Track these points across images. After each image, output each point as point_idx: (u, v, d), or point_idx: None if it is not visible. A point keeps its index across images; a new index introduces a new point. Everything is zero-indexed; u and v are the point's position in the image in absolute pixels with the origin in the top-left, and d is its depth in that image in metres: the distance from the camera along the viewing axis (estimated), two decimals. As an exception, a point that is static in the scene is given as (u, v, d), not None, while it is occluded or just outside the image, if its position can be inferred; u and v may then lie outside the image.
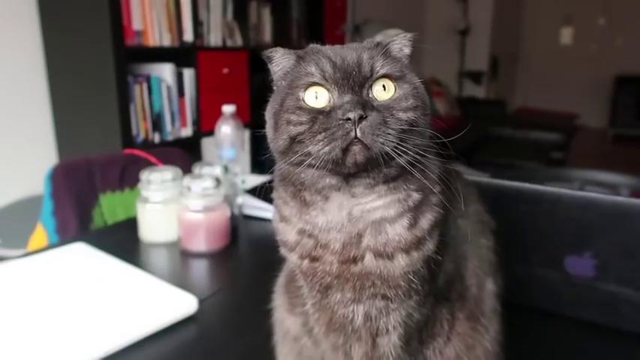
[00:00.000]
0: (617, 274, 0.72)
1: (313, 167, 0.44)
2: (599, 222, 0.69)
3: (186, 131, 2.69)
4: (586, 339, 0.76)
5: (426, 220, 0.46)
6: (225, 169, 1.21)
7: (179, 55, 2.61)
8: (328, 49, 0.48)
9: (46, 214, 1.43)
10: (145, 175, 1.14)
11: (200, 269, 1.06)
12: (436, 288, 0.51)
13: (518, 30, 7.60)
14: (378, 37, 1.76)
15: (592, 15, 7.21)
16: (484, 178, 0.72)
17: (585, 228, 0.71)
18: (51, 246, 1.10)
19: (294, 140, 0.44)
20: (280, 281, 0.64)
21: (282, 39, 3.38)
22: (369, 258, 0.46)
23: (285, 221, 0.50)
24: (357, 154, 0.41)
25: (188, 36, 2.61)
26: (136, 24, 2.34)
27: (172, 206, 1.13)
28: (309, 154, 0.43)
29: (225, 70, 2.77)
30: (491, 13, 6.27)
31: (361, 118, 0.41)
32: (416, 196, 0.45)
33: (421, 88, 0.46)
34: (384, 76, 0.44)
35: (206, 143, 2.74)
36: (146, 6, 2.39)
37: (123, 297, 0.83)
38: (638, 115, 6.64)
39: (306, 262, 0.49)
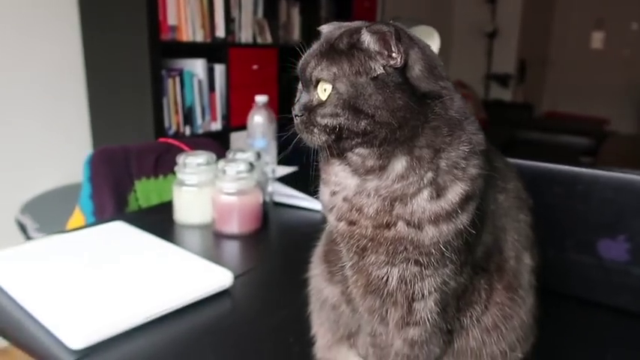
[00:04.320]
0: (651, 258, 0.72)
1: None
2: (634, 204, 0.70)
3: (216, 125, 2.74)
4: (619, 326, 0.76)
5: (454, 194, 0.47)
6: (258, 155, 1.24)
7: (211, 50, 2.66)
8: (321, 37, 0.52)
9: (84, 198, 1.48)
10: (182, 159, 1.18)
11: (233, 249, 1.09)
12: (474, 259, 0.52)
13: (548, 33, 7.49)
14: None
15: (624, 19, 7.05)
16: (518, 160, 0.73)
17: (620, 210, 0.71)
18: (90, 225, 1.14)
19: None
20: (318, 251, 0.66)
21: (310, 38, 3.41)
22: (401, 224, 0.48)
23: (323, 183, 0.54)
24: (304, 140, 0.50)
25: (220, 32, 2.67)
26: (171, 19, 2.40)
27: (207, 189, 1.17)
28: None
29: (255, 67, 2.82)
30: (520, 16, 6.20)
31: (296, 116, 0.49)
32: (429, 174, 0.47)
33: (348, 94, 0.46)
34: (320, 80, 0.47)
35: (235, 137, 2.79)
36: (181, 2, 2.45)
37: (162, 269, 0.87)
38: (670, 122, 6.46)
39: (342, 224, 0.51)
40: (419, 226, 0.47)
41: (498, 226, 0.55)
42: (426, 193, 0.47)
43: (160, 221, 1.21)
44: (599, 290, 0.80)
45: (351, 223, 0.50)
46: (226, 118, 2.76)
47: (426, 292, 0.50)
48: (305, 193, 1.31)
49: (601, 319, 0.78)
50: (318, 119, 0.47)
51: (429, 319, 0.51)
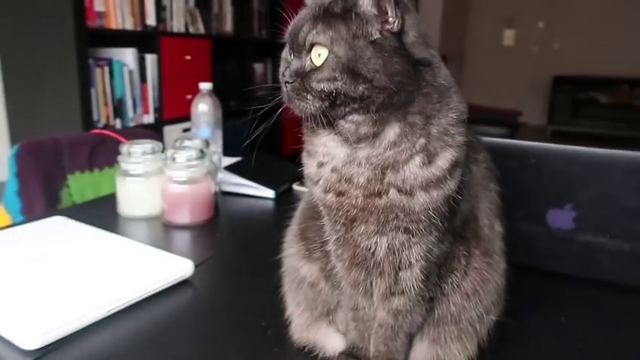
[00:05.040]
0: (594, 225, 0.79)
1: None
2: (581, 174, 0.75)
3: (149, 118, 2.63)
4: (567, 290, 0.82)
5: (444, 160, 0.48)
6: (207, 143, 1.20)
7: (141, 39, 2.54)
8: (307, 5, 0.51)
9: (9, 195, 1.36)
10: (126, 148, 1.12)
11: (187, 240, 1.05)
12: (453, 226, 0.54)
13: (464, 30, 7.89)
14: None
15: (532, 18, 7.59)
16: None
17: (568, 181, 0.77)
18: (25, 221, 1.05)
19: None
20: (293, 230, 0.65)
21: (243, 29, 3.36)
22: (393, 192, 0.48)
23: (308, 155, 0.53)
24: (294, 108, 0.49)
25: (151, 20, 2.56)
26: (98, 5, 2.27)
27: (154, 179, 1.12)
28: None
29: (188, 57, 2.73)
30: (441, 14, 6.49)
31: (287, 83, 0.48)
32: (422, 140, 0.48)
33: (348, 58, 0.45)
34: (315, 44, 0.47)
35: (168, 131, 2.69)
36: (107, -13, 2.32)
37: (117, 262, 0.82)
38: (573, 113, 7.04)
39: (331, 195, 0.51)
40: (410, 193, 0.47)
41: (472, 194, 0.57)
42: (418, 160, 0.47)
43: (102, 215, 1.13)
44: (546, 258, 0.85)
45: (340, 193, 0.50)
46: (159, 110, 2.65)
47: (413, 261, 0.51)
48: (253, 181, 1.29)
49: (549, 284, 0.83)
50: (314, 84, 0.46)
51: (414, 288, 0.52)
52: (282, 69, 0.51)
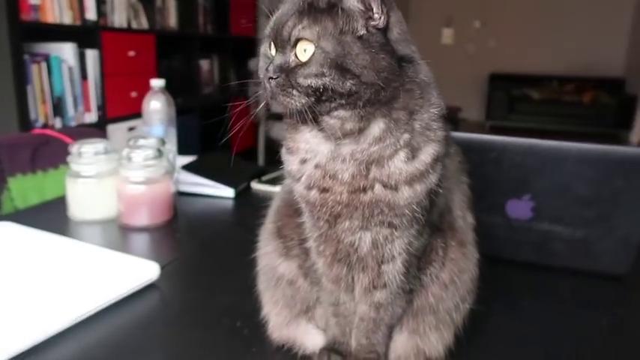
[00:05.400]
0: (550, 213, 0.83)
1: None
2: (538, 166, 0.79)
3: (91, 117, 2.50)
4: (525, 277, 0.86)
5: (426, 155, 0.49)
6: (163, 142, 1.16)
7: (81, 34, 2.41)
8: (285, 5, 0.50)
9: (-59, 201, 1.26)
10: (76, 148, 1.06)
11: (146, 242, 1.01)
12: (431, 219, 0.55)
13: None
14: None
15: (469, 18, 7.89)
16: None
17: (526, 172, 0.81)
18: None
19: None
20: (268, 229, 0.64)
21: (188, 24, 3.27)
22: (378, 187, 0.49)
23: (289, 152, 0.52)
24: (278, 104, 0.47)
25: (91, 14, 2.43)
26: (32, -3, 2.13)
27: (107, 180, 1.07)
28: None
29: (132, 54, 2.63)
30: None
31: (271, 79, 0.47)
32: (406, 136, 0.49)
33: (336, 53, 0.45)
34: (300, 39, 0.46)
35: (112, 130, 2.58)
36: (42, -22, 2.18)
37: (78, 269, 0.78)
38: (508, 109, 7.39)
39: (314, 192, 0.51)
40: (395, 188, 0.48)
41: (447, 187, 0.59)
42: (402, 155, 0.48)
43: (52, 220, 1.07)
44: (506, 247, 0.89)
45: (324, 190, 0.50)
46: (102, 108, 2.53)
47: (395, 254, 0.52)
48: (212, 180, 1.27)
49: (509, 273, 0.87)
50: (300, 80, 0.46)
51: (395, 281, 0.53)
52: (261, 64, 0.50)
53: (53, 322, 0.63)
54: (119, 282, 0.73)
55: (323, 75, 0.45)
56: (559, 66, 7.27)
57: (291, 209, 0.60)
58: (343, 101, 0.46)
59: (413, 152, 0.48)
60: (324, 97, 0.46)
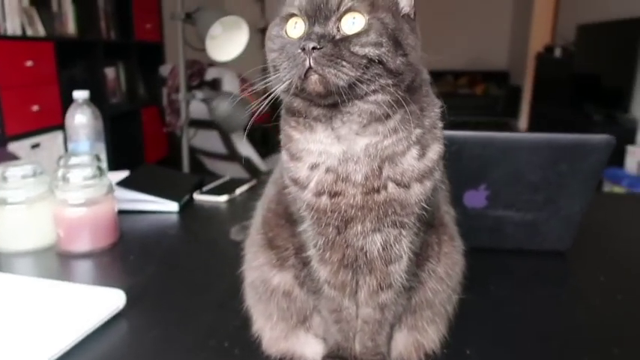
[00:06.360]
0: (504, 200, 0.89)
1: (289, 93, 0.46)
2: (494, 157, 0.84)
3: (-13, 135, 2.24)
4: (481, 263, 0.91)
5: (433, 152, 0.51)
6: (98, 158, 1.07)
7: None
8: None
9: None
10: (-1, 172, 0.95)
11: (94, 269, 0.93)
12: (427, 216, 0.57)
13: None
14: (216, 25, 1.74)
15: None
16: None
17: (483, 164, 0.85)
18: None
19: (274, 67, 0.48)
20: (257, 241, 0.61)
21: (89, 30, 3.04)
22: (391, 186, 0.49)
23: (295, 159, 0.51)
24: (314, 83, 0.44)
25: (-22, 21, 2.17)
26: None
27: (39, 205, 0.97)
28: (280, 80, 0.46)
29: (29, 63, 2.39)
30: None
31: (314, 49, 0.43)
32: (418, 131, 0.49)
33: (394, 25, 0.45)
34: (350, 9, 0.45)
35: (14, 149, 2.32)
36: None
37: (30, 308, 0.70)
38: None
39: (324, 198, 0.49)
40: (408, 185, 0.49)
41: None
42: (414, 152, 0.49)
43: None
44: (463, 235, 0.93)
45: (336, 194, 0.49)
46: (0, 125, 2.28)
47: (402, 253, 0.53)
48: (153, 195, 1.19)
49: (470, 259, 0.92)
50: (357, 49, 0.43)
51: (400, 279, 0.54)
52: (277, 46, 0.47)
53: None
54: (82, 317, 0.67)
55: (381, 45, 0.44)
56: (453, 61, 7.79)
57: (282, 219, 0.58)
58: (390, 81, 0.45)
59: (423, 149, 0.49)
60: (367, 76, 0.44)
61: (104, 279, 0.90)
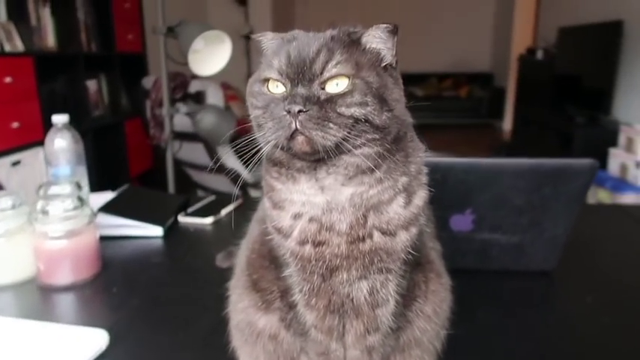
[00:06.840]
0: (489, 224, 0.89)
1: (278, 148, 0.46)
2: (479, 182, 0.84)
3: (-35, 155, 2.19)
4: (466, 287, 0.91)
5: (419, 199, 0.50)
6: (79, 186, 1.05)
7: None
8: (300, 38, 0.49)
9: None
10: (-25, 205, 0.92)
11: (76, 303, 0.91)
12: (414, 256, 0.56)
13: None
14: (199, 40, 1.73)
15: (352, 20, 8.20)
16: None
17: (468, 189, 0.85)
18: None
19: (258, 125, 0.47)
20: (242, 282, 0.61)
21: (69, 43, 3.00)
22: (377, 235, 0.48)
23: (278, 207, 0.50)
24: (301, 143, 0.44)
25: (-46, 39, 2.13)
26: None
27: (18, 238, 0.95)
28: (266, 139, 0.46)
29: (8, 80, 2.34)
30: (271, 17, 6.63)
31: (300, 112, 0.43)
32: (404, 179, 0.49)
33: (378, 83, 0.46)
34: (334, 76, 0.45)
35: (-6, 168, 2.28)
36: None
37: (11, 350, 0.68)
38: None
39: (308, 247, 0.49)
40: (394, 234, 0.48)
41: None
42: (401, 200, 0.48)
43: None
44: (449, 258, 0.93)
45: (320, 243, 0.48)
46: (-22, 144, 2.24)
47: (389, 297, 0.52)
48: (136, 220, 1.17)
49: (455, 282, 0.91)
50: (342, 109, 0.44)
51: (388, 321, 0.54)
52: (262, 103, 0.47)
53: None
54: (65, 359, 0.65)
55: (366, 104, 0.44)
56: (437, 64, 7.85)
57: (267, 260, 0.57)
58: (376, 135, 0.45)
59: (409, 197, 0.49)
60: (354, 133, 0.44)
61: (86, 315, 0.88)
